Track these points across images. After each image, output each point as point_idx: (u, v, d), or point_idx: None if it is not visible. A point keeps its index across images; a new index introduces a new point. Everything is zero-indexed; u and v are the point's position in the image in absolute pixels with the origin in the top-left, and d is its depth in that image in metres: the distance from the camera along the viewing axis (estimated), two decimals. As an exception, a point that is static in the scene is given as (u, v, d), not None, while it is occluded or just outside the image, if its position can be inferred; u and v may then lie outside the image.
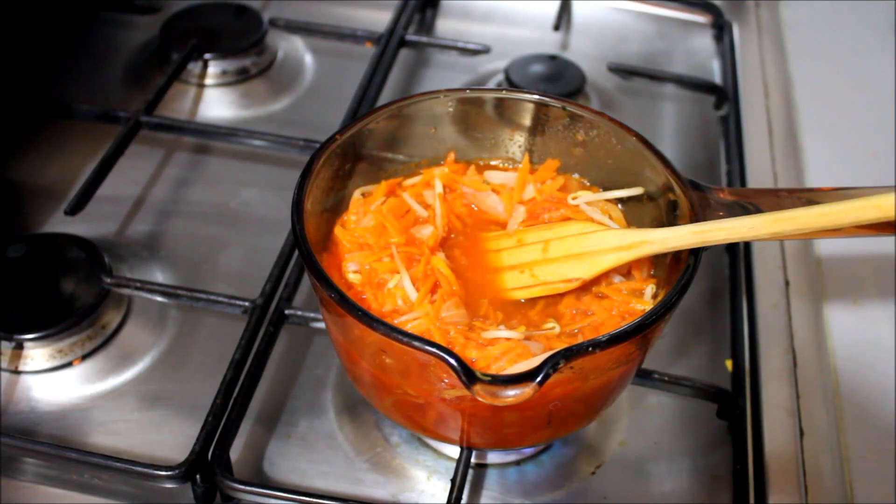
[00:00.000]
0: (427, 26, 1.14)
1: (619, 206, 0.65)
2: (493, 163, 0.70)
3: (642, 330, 0.50)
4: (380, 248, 0.61)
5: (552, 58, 1.04)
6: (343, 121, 0.91)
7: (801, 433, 0.70)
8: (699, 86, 1.04)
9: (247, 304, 0.73)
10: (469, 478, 0.65)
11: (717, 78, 1.09)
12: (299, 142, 0.89)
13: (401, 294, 0.58)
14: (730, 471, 0.68)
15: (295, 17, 1.07)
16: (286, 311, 0.74)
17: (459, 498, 0.62)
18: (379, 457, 0.68)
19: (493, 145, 0.69)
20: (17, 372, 0.72)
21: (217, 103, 1.00)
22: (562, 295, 0.60)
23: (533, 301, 0.61)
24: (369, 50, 1.03)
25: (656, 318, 0.51)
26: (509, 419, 0.57)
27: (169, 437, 0.68)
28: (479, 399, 0.47)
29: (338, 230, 0.63)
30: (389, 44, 1.02)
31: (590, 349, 0.48)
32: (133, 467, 0.62)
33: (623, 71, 1.05)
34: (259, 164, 0.93)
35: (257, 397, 0.69)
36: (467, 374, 0.47)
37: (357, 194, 0.65)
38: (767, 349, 0.76)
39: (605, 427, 0.71)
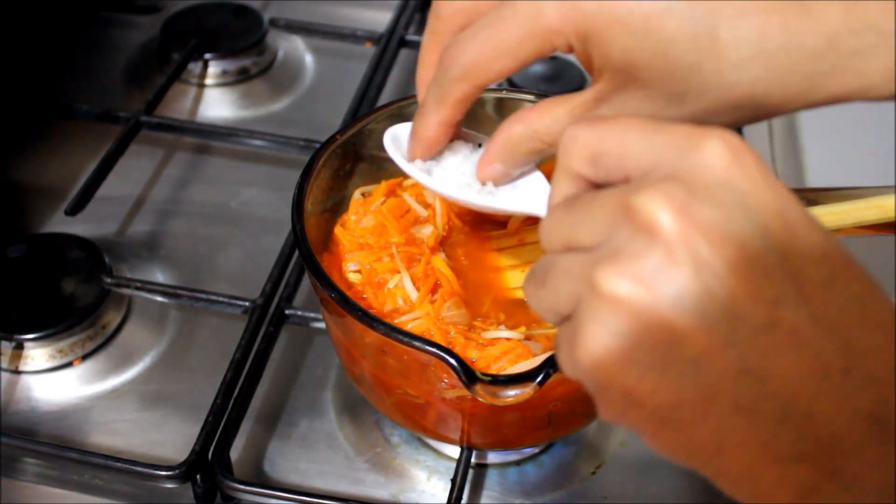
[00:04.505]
0: (427, 26, 1.14)
1: (620, 205, 0.65)
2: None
3: (642, 330, 0.50)
4: (380, 247, 0.61)
5: (552, 58, 1.04)
6: (343, 121, 0.91)
7: (802, 433, 0.70)
8: (699, 86, 1.04)
9: (247, 304, 0.73)
10: (469, 478, 0.64)
11: (718, 78, 1.08)
12: (299, 142, 0.89)
13: (401, 294, 0.58)
14: (730, 471, 0.68)
15: (295, 17, 1.07)
16: (286, 311, 0.74)
17: (460, 498, 0.62)
18: (379, 457, 0.68)
19: (493, 145, 0.69)
20: (17, 372, 0.71)
21: (217, 103, 1.00)
22: (562, 295, 0.60)
23: (533, 301, 0.61)
24: (369, 50, 1.03)
25: (656, 318, 0.51)
26: (509, 419, 0.57)
27: (169, 437, 0.68)
28: (480, 399, 0.47)
29: (338, 230, 0.63)
30: (389, 44, 1.02)
31: (590, 349, 0.48)
32: (133, 467, 0.62)
33: (623, 71, 1.05)
34: (259, 164, 0.93)
35: (257, 397, 0.69)
36: (467, 374, 0.47)
37: (357, 194, 0.65)
38: (767, 349, 0.76)
39: (605, 427, 0.71)
